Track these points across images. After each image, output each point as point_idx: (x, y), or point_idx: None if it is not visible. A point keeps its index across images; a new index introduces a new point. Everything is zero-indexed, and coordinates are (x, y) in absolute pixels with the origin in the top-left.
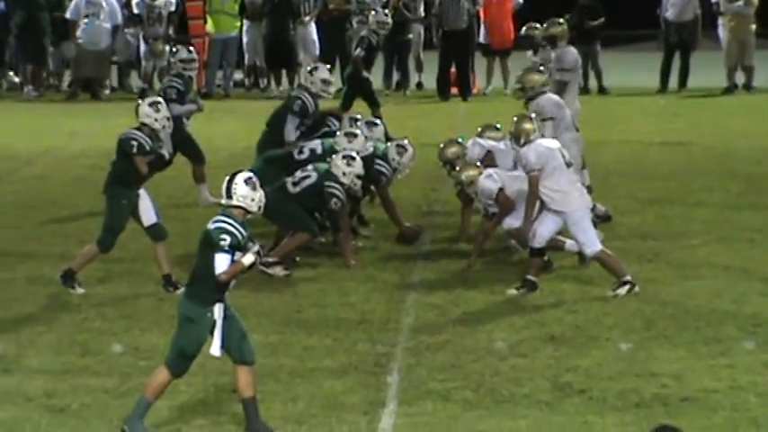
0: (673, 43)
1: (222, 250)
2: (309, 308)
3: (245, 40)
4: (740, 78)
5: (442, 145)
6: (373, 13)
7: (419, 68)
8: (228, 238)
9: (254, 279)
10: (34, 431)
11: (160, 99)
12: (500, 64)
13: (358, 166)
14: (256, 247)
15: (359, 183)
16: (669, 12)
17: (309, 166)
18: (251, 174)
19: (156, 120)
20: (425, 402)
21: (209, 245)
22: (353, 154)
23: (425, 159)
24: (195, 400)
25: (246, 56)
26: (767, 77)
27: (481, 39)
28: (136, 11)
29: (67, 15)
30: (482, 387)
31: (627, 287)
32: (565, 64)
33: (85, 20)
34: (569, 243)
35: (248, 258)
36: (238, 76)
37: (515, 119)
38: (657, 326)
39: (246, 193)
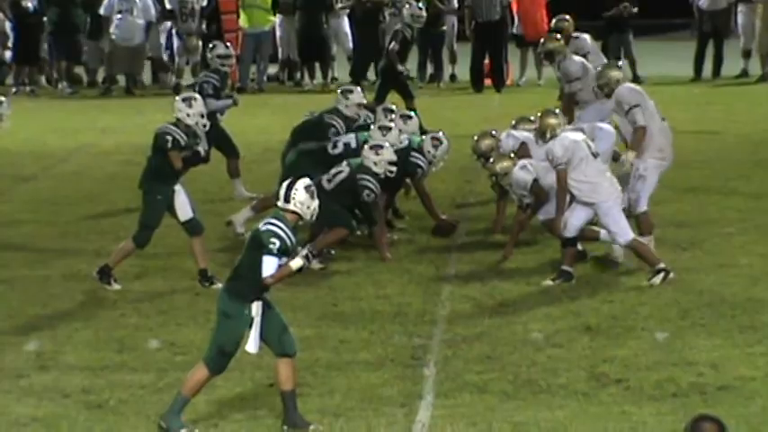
0: (706, 32)
1: (270, 253)
2: (345, 301)
3: (278, 33)
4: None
5: (475, 137)
6: (408, 6)
7: (453, 60)
8: (278, 242)
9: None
10: (71, 427)
11: (195, 95)
12: (533, 55)
13: (388, 153)
14: (305, 252)
15: (393, 169)
16: (702, 0)
17: (343, 162)
18: (311, 181)
19: (188, 115)
20: (462, 394)
21: (258, 245)
22: (380, 142)
23: (460, 151)
24: (232, 394)
25: (280, 50)
26: None
27: (514, 30)
28: (169, 6)
29: (101, 12)
30: (518, 378)
31: (662, 275)
32: (571, 75)
33: (119, 16)
34: (603, 233)
35: (296, 263)
36: (272, 70)
37: (539, 114)
38: (693, 315)
39: (305, 200)
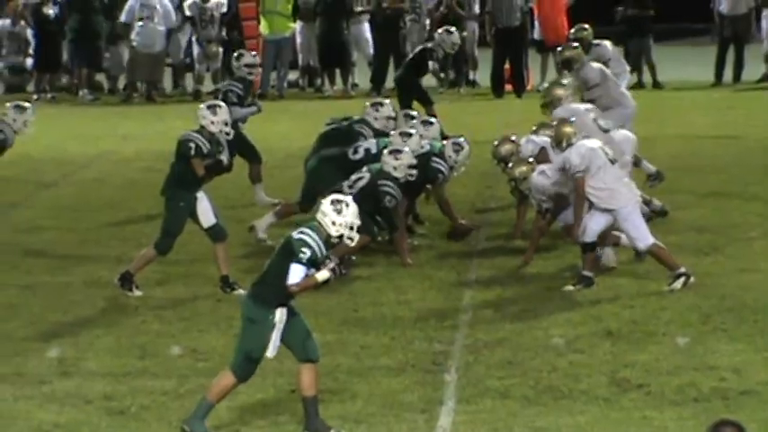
0: (727, 37)
1: (300, 262)
2: (366, 306)
3: (298, 40)
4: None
5: (496, 142)
6: (447, 33)
7: (474, 66)
8: (308, 252)
9: None
10: None
11: (220, 103)
12: (554, 60)
13: (407, 158)
14: (332, 264)
15: (413, 173)
16: (723, 5)
17: (363, 168)
18: (352, 200)
19: (212, 122)
20: (484, 400)
21: (289, 253)
22: (400, 147)
23: (480, 157)
24: (254, 400)
25: (300, 56)
26: None
27: (535, 35)
28: (188, 13)
29: (122, 19)
30: (540, 383)
31: (682, 279)
32: (590, 82)
33: (140, 23)
34: (623, 238)
35: (323, 275)
36: (292, 76)
37: (555, 123)
38: (715, 319)
39: (348, 222)
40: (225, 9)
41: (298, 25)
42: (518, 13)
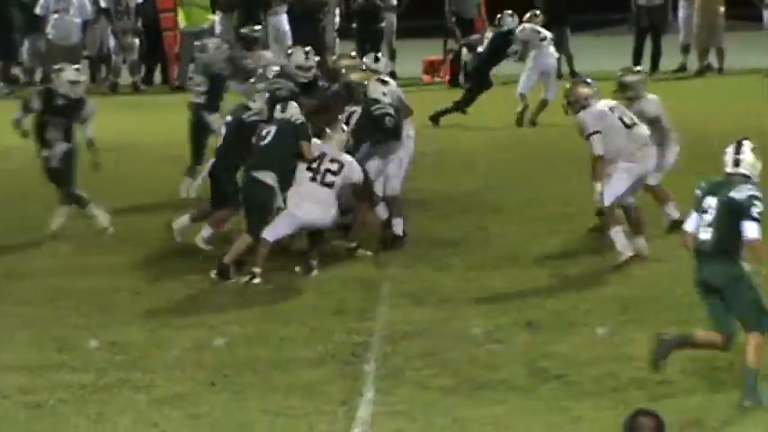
0: (644, 27)
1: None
2: (286, 298)
3: (217, 31)
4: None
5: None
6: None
7: (392, 57)
8: (760, 206)
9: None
10: (11, 427)
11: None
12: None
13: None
14: None
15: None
16: None
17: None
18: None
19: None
20: (403, 390)
21: (738, 213)
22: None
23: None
24: (172, 393)
25: None
26: (736, 59)
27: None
28: (103, 4)
29: (37, 11)
30: (459, 374)
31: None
32: (647, 114)
33: (55, 15)
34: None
35: None
36: None
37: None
38: (633, 310)
39: (753, 162)
40: (141, 0)
41: (217, 16)
42: (474, 6)
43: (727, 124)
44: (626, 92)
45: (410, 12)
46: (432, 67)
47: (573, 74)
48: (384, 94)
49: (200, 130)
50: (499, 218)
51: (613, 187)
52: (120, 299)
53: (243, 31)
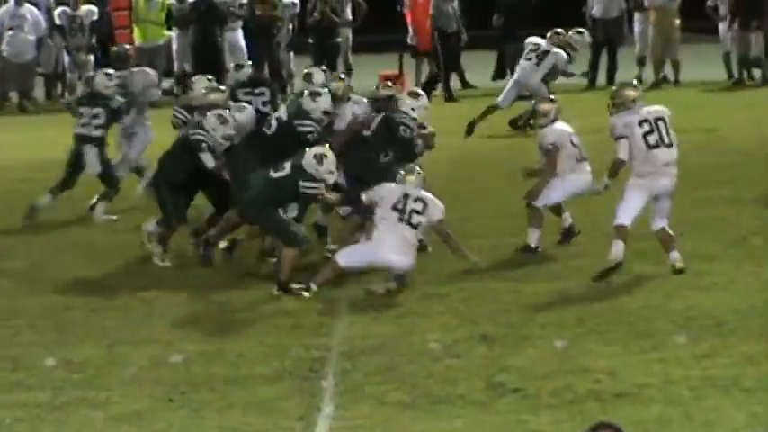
0: (600, 40)
1: None
2: (242, 315)
3: (174, 47)
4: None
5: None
6: (578, 33)
7: (349, 72)
8: None
9: (188, 286)
10: None
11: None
12: (428, 65)
13: (325, 101)
14: None
15: (326, 119)
16: (595, 9)
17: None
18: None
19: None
20: (361, 406)
21: None
22: (320, 90)
23: None
24: (130, 411)
25: (176, 63)
26: (692, 72)
27: (408, 40)
28: (58, 22)
29: None
30: (417, 388)
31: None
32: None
33: (10, 32)
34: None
35: None
36: (166, 84)
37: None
38: (590, 322)
39: None
40: (95, 17)
41: (174, 33)
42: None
43: (681, 138)
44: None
45: (366, 27)
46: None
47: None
48: (413, 109)
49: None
50: (455, 232)
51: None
52: (76, 316)
53: (114, 49)
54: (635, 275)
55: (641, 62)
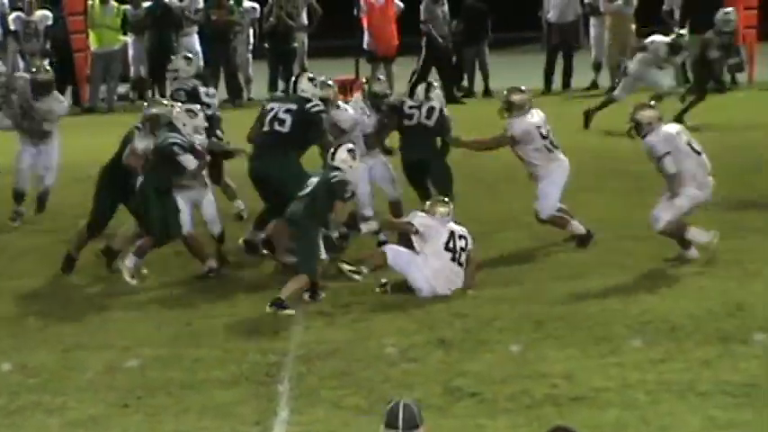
0: (555, 45)
1: None
2: (199, 320)
3: (130, 53)
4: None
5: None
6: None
7: None
8: None
9: (145, 291)
10: None
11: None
12: (384, 70)
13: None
14: None
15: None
16: (551, 13)
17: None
18: None
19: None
20: (317, 410)
21: None
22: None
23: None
24: (85, 416)
25: (132, 69)
26: None
27: (365, 45)
28: (12, 27)
29: None
30: (373, 393)
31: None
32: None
33: None
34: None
35: None
36: (122, 89)
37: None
38: (547, 327)
39: None
40: (50, 22)
41: (129, 38)
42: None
43: (638, 142)
44: (512, 111)
45: (322, 31)
46: (344, 87)
47: (487, 92)
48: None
49: None
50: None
51: (672, 210)
52: (31, 322)
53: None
54: (590, 279)
55: (597, 67)
